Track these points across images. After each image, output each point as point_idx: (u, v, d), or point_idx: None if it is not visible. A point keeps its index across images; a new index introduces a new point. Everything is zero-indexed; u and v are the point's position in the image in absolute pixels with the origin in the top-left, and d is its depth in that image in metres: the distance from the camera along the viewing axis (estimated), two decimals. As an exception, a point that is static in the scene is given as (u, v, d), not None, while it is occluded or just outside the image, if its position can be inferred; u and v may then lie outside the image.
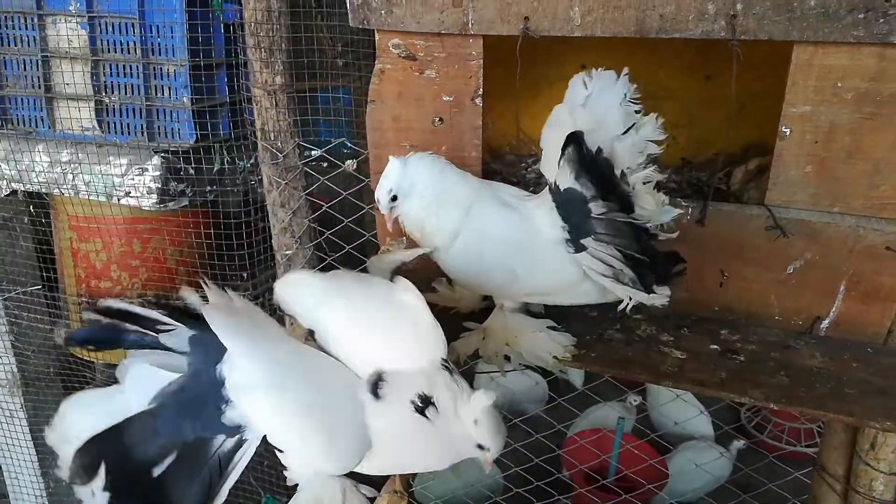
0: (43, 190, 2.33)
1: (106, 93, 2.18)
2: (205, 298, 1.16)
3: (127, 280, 2.38)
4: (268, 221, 2.23)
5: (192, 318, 1.15)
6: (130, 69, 2.15)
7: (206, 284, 1.16)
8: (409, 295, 1.19)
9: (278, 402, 1.10)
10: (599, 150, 1.26)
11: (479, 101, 1.60)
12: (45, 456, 2.80)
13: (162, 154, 2.20)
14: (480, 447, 1.17)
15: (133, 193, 2.23)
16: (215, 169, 2.30)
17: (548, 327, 1.41)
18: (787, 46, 1.36)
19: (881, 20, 1.25)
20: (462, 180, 1.40)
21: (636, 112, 1.29)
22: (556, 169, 1.33)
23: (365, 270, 1.45)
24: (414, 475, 2.22)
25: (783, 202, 1.45)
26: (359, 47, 2.30)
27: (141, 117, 2.16)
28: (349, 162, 2.21)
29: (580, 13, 1.42)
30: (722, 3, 1.33)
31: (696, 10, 1.35)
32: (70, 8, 2.14)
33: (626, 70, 1.29)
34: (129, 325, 1.14)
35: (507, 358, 1.41)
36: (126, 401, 1.07)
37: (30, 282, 2.62)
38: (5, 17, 2.18)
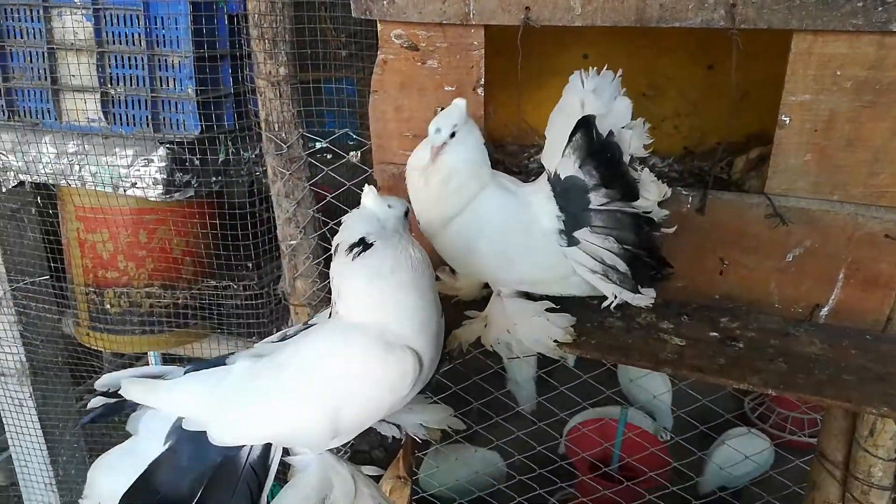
0: (50, 181, 2.35)
1: (111, 84, 2.20)
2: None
3: (134, 270, 2.40)
4: (272, 212, 2.24)
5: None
6: (135, 61, 2.16)
7: None
8: None
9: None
10: (611, 132, 1.29)
11: (480, 90, 1.61)
12: (54, 444, 2.84)
13: (167, 145, 2.22)
14: None
15: (139, 184, 2.25)
16: (220, 160, 2.31)
17: (546, 309, 1.42)
18: (788, 35, 1.37)
19: (880, 8, 1.25)
20: (487, 162, 1.43)
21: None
22: (558, 157, 1.35)
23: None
24: (417, 462, 2.23)
25: (783, 190, 1.46)
26: (362, 38, 2.31)
27: (146, 109, 2.18)
28: (353, 153, 2.23)
29: (580, 3, 1.43)
30: (721, -9, 1.34)
31: (696, -1, 1.36)
32: (75, 0, 2.15)
33: (620, 71, 1.34)
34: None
35: (509, 346, 1.42)
36: (145, 449, 1.09)
37: (38, 272, 2.65)
38: (11, 9, 2.20)
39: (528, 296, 1.48)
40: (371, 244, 1.13)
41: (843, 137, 1.38)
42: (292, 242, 2.22)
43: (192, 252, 2.43)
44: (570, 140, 1.30)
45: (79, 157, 2.27)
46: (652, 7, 1.39)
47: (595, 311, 1.52)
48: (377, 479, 1.22)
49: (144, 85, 2.17)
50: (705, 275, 1.57)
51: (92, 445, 2.95)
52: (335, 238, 1.19)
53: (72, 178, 2.30)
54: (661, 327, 1.50)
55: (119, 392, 1.13)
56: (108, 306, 2.43)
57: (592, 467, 2.85)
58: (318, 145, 2.22)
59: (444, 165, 1.37)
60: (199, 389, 1.12)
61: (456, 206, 1.38)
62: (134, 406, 1.14)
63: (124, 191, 2.26)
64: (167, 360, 2.77)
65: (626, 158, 1.31)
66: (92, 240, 2.39)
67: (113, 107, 2.22)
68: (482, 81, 1.60)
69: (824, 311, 1.51)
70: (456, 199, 1.38)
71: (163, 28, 2.12)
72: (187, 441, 1.09)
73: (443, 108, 1.64)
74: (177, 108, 2.19)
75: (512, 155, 2.02)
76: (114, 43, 2.17)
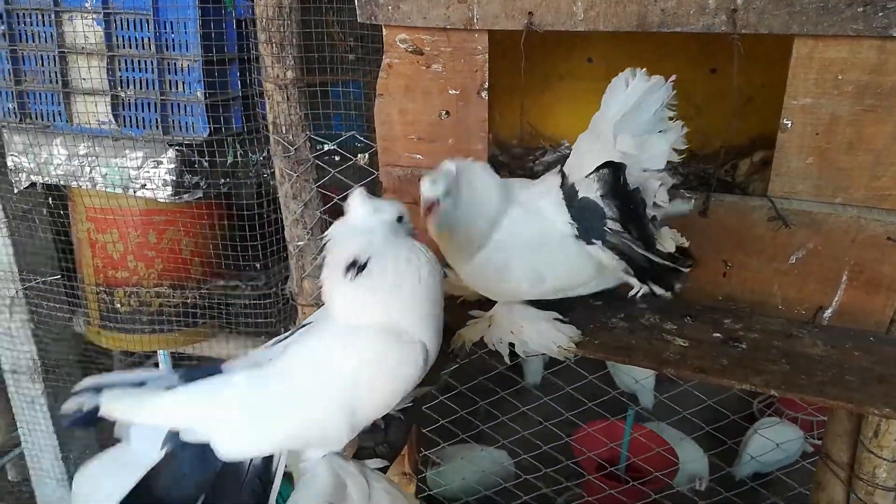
0: (61, 182, 2.38)
1: (122, 87, 2.23)
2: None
3: (143, 270, 2.43)
4: (280, 213, 2.27)
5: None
6: (145, 64, 2.19)
7: None
8: None
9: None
10: (637, 189, 1.26)
11: (484, 94, 1.63)
12: (66, 441, 2.88)
13: (176, 147, 2.25)
14: None
15: (149, 185, 2.28)
16: (229, 162, 2.34)
17: (554, 318, 1.43)
18: (791, 39, 1.38)
19: (880, 13, 1.26)
20: (495, 194, 1.37)
21: (669, 119, 1.31)
22: (581, 175, 1.33)
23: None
24: (423, 458, 2.25)
25: (785, 193, 1.47)
26: (369, 42, 2.33)
27: (156, 111, 2.21)
28: (361, 155, 2.25)
29: (583, 8, 1.44)
30: (723, -3, 1.35)
31: (697, 4, 1.37)
32: (86, 4, 2.18)
33: (673, 77, 1.32)
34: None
35: (511, 346, 1.43)
36: (138, 455, 1.06)
37: (49, 272, 2.68)
38: (23, 13, 2.23)
39: (536, 303, 1.48)
40: (365, 263, 1.11)
41: (845, 141, 1.39)
42: (300, 243, 2.25)
43: (200, 252, 2.46)
44: (597, 169, 1.28)
45: (89, 158, 2.30)
46: (653, 12, 1.41)
47: (599, 312, 1.54)
48: (383, 471, 1.22)
49: (154, 88, 2.19)
50: (709, 277, 1.58)
51: (103, 442, 2.99)
52: (324, 251, 1.17)
53: (83, 179, 2.33)
54: (664, 328, 1.51)
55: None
56: (119, 305, 2.46)
57: (599, 468, 2.85)
58: (325, 147, 2.24)
59: (439, 228, 1.34)
60: (196, 400, 1.09)
61: (471, 251, 1.37)
62: None
63: (134, 192, 2.29)
64: (176, 358, 2.80)
65: (650, 213, 1.28)
66: (102, 240, 2.43)
67: (123, 109, 2.24)
68: (486, 85, 1.62)
69: (827, 313, 1.52)
70: (467, 247, 1.37)
71: (172, 32, 2.15)
72: (187, 446, 1.06)
73: (447, 113, 1.67)
74: (186, 111, 2.21)
75: (517, 158, 2.03)
76: (124, 47, 2.20)
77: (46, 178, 2.39)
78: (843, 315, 1.51)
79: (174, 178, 2.27)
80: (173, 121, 2.22)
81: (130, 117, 2.24)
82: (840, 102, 1.37)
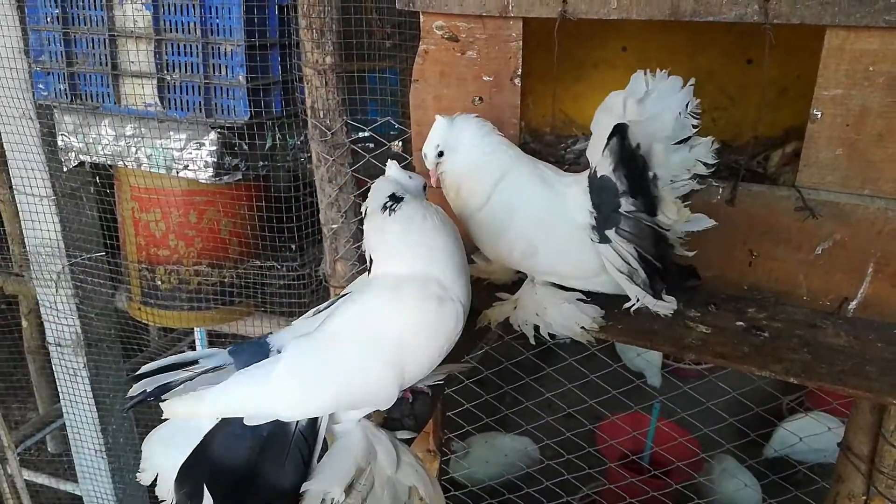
0: (108, 162, 2.47)
1: (167, 70, 2.31)
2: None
3: (183, 248, 2.51)
4: (316, 196, 2.33)
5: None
6: (190, 48, 2.26)
7: None
8: None
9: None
10: (638, 146, 1.30)
11: (517, 81, 1.66)
12: (105, 413, 2.98)
13: (218, 130, 2.32)
14: None
15: (191, 167, 2.35)
16: (268, 145, 2.41)
17: (577, 299, 1.47)
18: (825, 30, 1.38)
19: (913, 5, 1.26)
20: (502, 148, 1.47)
21: (693, 126, 1.33)
22: (598, 156, 1.38)
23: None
24: (447, 436, 2.29)
25: (813, 184, 1.48)
26: (406, 29, 2.38)
27: (199, 94, 2.28)
28: (395, 142, 2.30)
29: (616, -4, 1.47)
30: (755, -14, 1.36)
31: (730, -7, 1.38)
32: (136, -11, 2.26)
33: (692, 80, 1.34)
34: (171, 374, 1.17)
35: (537, 328, 1.47)
36: (198, 421, 1.11)
37: (94, 248, 2.78)
38: (76, -2, 2.32)
39: (560, 286, 1.52)
40: (402, 198, 1.21)
41: (875, 133, 1.40)
42: (334, 226, 2.30)
43: (238, 233, 2.53)
44: (607, 142, 1.33)
45: (135, 139, 2.39)
46: (686, 1, 1.42)
47: (622, 298, 1.56)
48: (409, 441, 1.27)
49: (198, 72, 2.27)
50: (734, 266, 1.59)
51: (139, 415, 3.09)
52: (365, 204, 1.26)
53: (128, 159, 2.42)
54: (687, 315, 1.53)
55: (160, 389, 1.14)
56: (159, 283, 2.54)
57: (623, 458, 2.88)
58: (361, 134, 2.29)
59: (448, 178, 1.47)
60: (251, 386, 1.13)
61: (477, 203, 1.45)
62: (168, 387, 1.14)
63: (177, 173, 2.37)
64: (212, 336, 2.88)
65: (651, 174, 1.31)
66: (145, 219, 2.51)
67: (168, 92, 2.32)
68: (519, 72, 1.65)
69: (853, 304, 1.53)
70: (473, 199, 1.46)
71: (217, 17, 2.21)
72: None
73: (480, 99, 1.70)
74: (228, 95, 2.28)
75: (549, 145, 2.06)
76: (170, 31, 2.27)
77: (94, 158, 2.49)
78: (868, 307, 1.51)
79: (215, 160, 2.34)
80: (216, 104, 2.29)
81: (175, 100, 2.32)
82: (871, 94, 1.38)
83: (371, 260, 1.25)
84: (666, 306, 1.43)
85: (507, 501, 2.77)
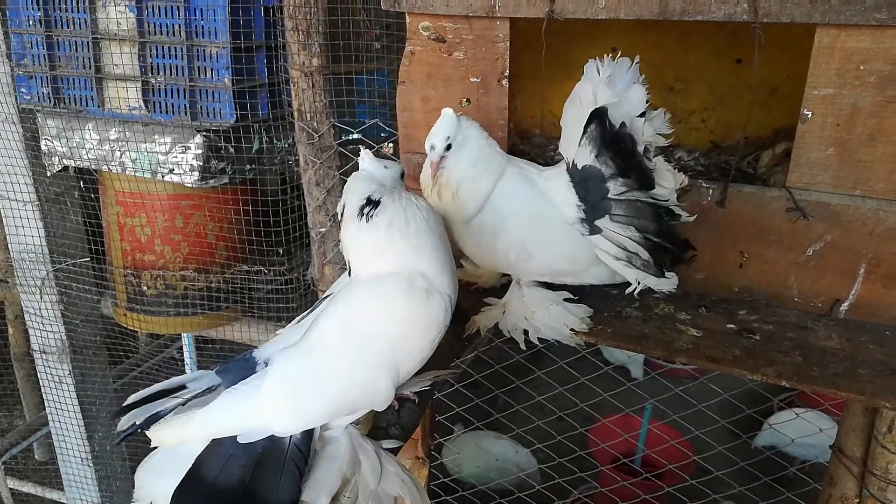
0: (92, 166, 2.45)
1: (152, 73, 2.28)
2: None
3: (170, 254, 2.48)
4: (303, 200, 2.30)
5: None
6: (175, 51, 2.24)
7: None
8: None
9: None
10: (623, 124, 1.31)
11: (505, 82, 1.64)
12: (91, 421, 2.95)
13: (204, 133, 2.30)
14: None
15: (176, 170, 2.33)
16: (254, 148, 2.38)
17: (564, 300, 1.45)
18: (815, 29, 1.37)
19: (904, 3, 1.25)
20: (497, 151, 1.45)
21: (646, 102, 1.34)
22: (575, 147, 1.37)
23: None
24: (436, 443, 2.27)
25: (804, 184, 1.46)
26: (395, 30, 2.36)
27: (184, 97, 2.25)
28: (385, 144, 2.28)
29: (604, -4, 1.45)
30: (744, -15, 1.35)
31: (719, -8, 1.37)
32: (119, -9, 2.23)
33: (637, 58, 1.35)
34: (160, 402, 1.14)
35: (526, 332, 1.45)
36: (189, 446, 1.08)
37: (79, 254, 2.75)
38: (59, 0, 2.29)
39: (547, 285, 1.51)
40: (378, 200, 1.17)
41: (866, 132, 1.38)
42: (322, 230, 2.28)
43: (225, 237, 2.50)
44: (585, 130, 1.33)
45: (120, 143, 2.36)
46: (675, 1, 1.41)
47: (613, 301, 1.55)
48: (395, 451, 1.24)
49: (183, 74, 2.24)
50: (725, 268, 1.58)
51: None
52: (340, 202, 1.22)
53: (113, 163, 2.39)
54: (678, 318, 1.51)
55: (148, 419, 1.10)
56: (145, 288, 2.51)
57: (615, 461, 2.86)
58: (352, 136, 2.27)
59: (448, 180, 1.42)
60: (239, 404, 1.10)
61: (474, 208, 1.42)
62: (159, 416, 1.11)
63: (162, 177, 2.34)
64: (200, 342, 2.85)
65: (641, 148, 1.32)
66: (131, 224, 2.48)
67: (153, 95, 2.30)
68: (507, 73, 1.63)
69: (844, 306, 1.51)
70: (471, 203, 1.42)
71: (202, 19, 2.19)
72: None
73: (468, 100, 1.68)
74: (214, 98, 2.26)
75: (538, 146, 2.04)
76: (155, 33, 2.25)
77: (78, 162, 2.46)
78: (859, 308, 1.49)
79: (201, 164, 2.31)
80: (201, 107, 2.27)
81: (160, 103, 2.29)
82: (861, 93, 1.36)
83: (349, 260, 1.22)
84: (668, 283, 1.42)
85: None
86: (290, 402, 1.11)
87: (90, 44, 2.30)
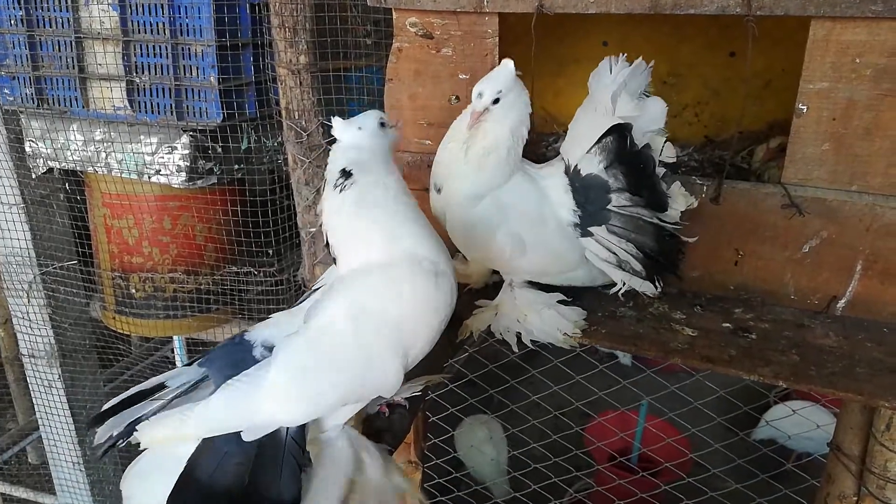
0: (77, 168, 2.41)
1: (136, 73, 2.24)
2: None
3: (158, 255, 2.45)
4: (293, 199, 2.27)
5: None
6: (159, 49, 2.20)
7: None
8: None
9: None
10: (647, 145, 1.29)
11: (494, 78, 1.60)
12: (82, 425, 2.91)
13: (190, 133, 2.26)
14: None
15: (163, 171, 2.29)
16: (242, 148, 2.35)
17: (558, 301, 1.42)
18: (809, 21, 1.34)
19: (900, -6, 1.22)
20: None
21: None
22: (581, 153, 1.34)
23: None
24: (429, 443, 2.25)
25: (800, 180, 1.44)
26: (385, 26, 2.32)
27: (170, 97, 2.21)
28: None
29: (594, -11, 1.42)
30: (737, -23, 1.32)
31: (711, -15, 1.34)
32: (102, -11, 2.19)
33: (652, 62, 1.34)
34: (139, 406, 1.09)
35: (519, 335, 1.42)
36: (175, 448, 1.03)
37: (66, 257, 2.71)
38: (40, -1, 2.25)
39: (540, 286, 1.48)
40: (350, 172, 1.13)
41: (862, 126, 1.36)
42: (312, 230, 2.25)
43: (214, 238, 2.47)
44: (599, 140, 1.29)
45: (105, 144, 2.32)
46: (666, -6, 1.38)
47: (607, 300, 1.52)
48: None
49: (168, 73, 2.20)
50: (720, 265, 1.55)
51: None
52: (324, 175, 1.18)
53: (99, 165, 2.35)
54: (673, 317, 1.49)
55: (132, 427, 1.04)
56: (134, 291, 2.48)
57: (611, 458, 2.84)
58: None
59: (484, 136, 1.33)
60: (242, 397, 1.04)
61: (490, 185, 1.36)
62: (138, 421, 1.05)
63: (149, 178, 2.30)
64: (190, 344, 2.82)
65: (661, 172, 1.31)
66: (118, 226, 2.44)
67: (138, 95, 2.26)
68: (496, 69, 1.59)
69: (841, 302, 1.49)
70: (491, 177, 1.36)
71: (186, 17, 2.15)
72: None
73: (457, 98, 1.65)
74: (200, 97, 2.22)
75: (530, 143, 2.00)
76: (138, 32, 2.21)
77: (63, 164, 2.42)
78: (856, 305, 1.47)
79: (188, 164, 2.27)
80: (187, 106, 2.23)
81: (145, 103, 2.25)
82: (857, 87, 1.34)
83: (330, 244, 1.17)
84: (651, 287, 1.40)
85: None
86: (300, 390, 1.06)
87: (73, 43, 2.26)
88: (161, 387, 1.11)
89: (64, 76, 2.31)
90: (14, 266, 2.65)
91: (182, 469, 1.00)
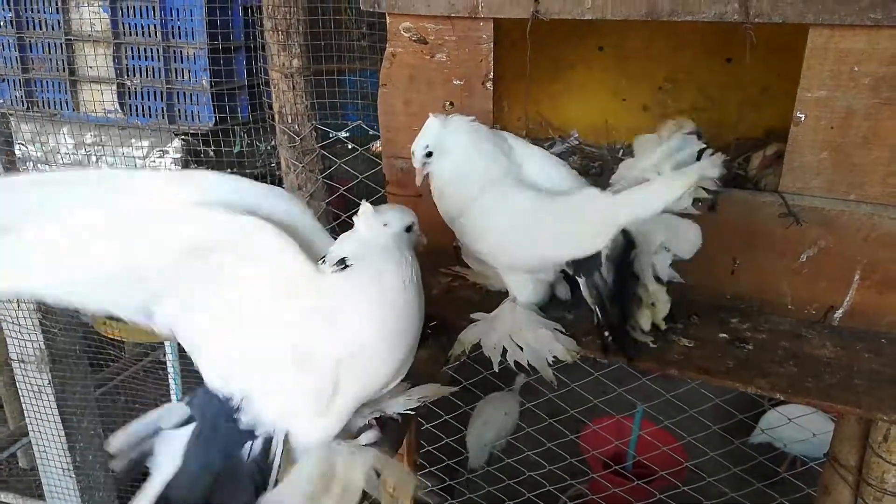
0: (68, 171, 2.38)
1: (128, 76, 2.22)
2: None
3: (149, 260, 2.42)
4: (286, 204, 2.24)
5: None
6: (151, 52, 2.18)
7: None
8: None
9: None
10: (634, 274, 1.29)
11: (489, 85, 1.59)
12: (72, 431, 2.88)
13: (182, 136, 2.24)
14: None
15: (154, 175, 2.26)
16: (235, 151, 2.32)
17: (555, 329, 1.40)
18: (807, 29, 1.33)
19: (900, 2, 1.21)
20: (491, 156, 1.37)
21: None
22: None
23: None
24: (420, 449, 2.23)
25: (797, 189, 1.42)
26: (378, 30, 2.30)
27: (161, 100, 2.19)
28: (374, 143, 2.22)
29: (590, -5, 1.40)
30: (735, -16, 1.30)
31: (709, -9, 1.32)
32: (93, -9, 2.17)
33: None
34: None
35: (504, 353, 1.40)
36: (163, 472, 1.07)
37: (56, 261, 2.67)
38: (30, 0, 2.22)
39: (543, 310, 1.46)
40: (350, 265, 1.09)
41: (860, 135, 1.34)
42: (305, 235, 2.22)
43: (206, 242, 2.44)
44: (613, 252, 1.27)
45: (96, 147, 2.30)
46: (663, 1, 1.36)
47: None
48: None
49: (160, 76, 2.18)
50: (716, 274, 1.54)
51: (108, 434, 2.99)
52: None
53: (89, 168, 2.32)
54: (669, 327, 1.47)
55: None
56: (124, 296, 2.45)
57: (606, 466, 2.82)
58: (341, 134, 2.21)
59: (435, 180, 1.39)
60: None
61: (457, 210, 1.38)
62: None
63: (140, 181, 2.27)
64: (182, 350, 2.78)
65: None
66: (108, 230, 2.41)
67: (129, 98, 2.24)
68: (491, 75, 1.58)
69: (839, 312, 1.48)
70: (453, 206, 1.38)
71: (178, 19, 2.13)
72: (195, 451, 1.08)
73: (451, 104, 1.63)
74: (192, 100, 2.20)
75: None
76: (130, 34, 2.19)
77: (54, 167, 2.39)
78: (854, 315, 1.46)
79: (180, 168, 2.25)
80: (179, 110, 2.21)
81: (136, 106, 2.23)
82: (856, 95, 1.32)
83: None
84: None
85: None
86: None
87: (63, 45, 2.23)
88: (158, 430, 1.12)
89: (54, 79, 2.28)
90: (3, 270, 2.62)
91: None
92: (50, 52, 2.27)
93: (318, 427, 1.13)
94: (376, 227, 1.14)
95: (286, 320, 1.07)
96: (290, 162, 2.17)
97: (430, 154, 1.36)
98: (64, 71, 2.26)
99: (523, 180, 1.38)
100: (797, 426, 2.52)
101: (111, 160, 2.30)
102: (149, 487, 1.06)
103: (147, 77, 2.20)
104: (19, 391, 2.87)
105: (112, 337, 2.61)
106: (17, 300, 2.66)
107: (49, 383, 2.77)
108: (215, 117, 2.19)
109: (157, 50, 2.16)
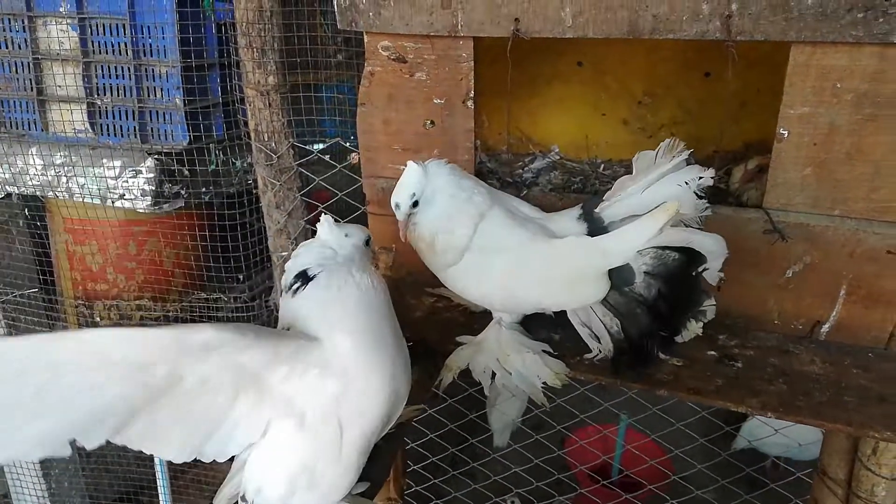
0: (37, 193, 2.32)
1: (98, 95, 2.17)
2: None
3: (123, 282, 2.37)
4: (263, 222, 2.21)
5: None
6: (122, 71, 2.13)
7: None
8: None
9: None
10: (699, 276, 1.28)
11: (470, 103, 1.57)
12: (46, 458, 2.80)
13: (156, 156, 2.19)
14: None
15: (127, 196, 2.21)
16: (210, 170, 2.28)
17: (542, 350, 1.38)
18: (788, 44, 1.32)
19: (881, 19, 1.21)
20: (476, 194, 1.32)
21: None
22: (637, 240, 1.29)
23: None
24: (406, 477, 2.20)
25: (781, 205, 1.42)
26: (358, 46, 2.27)
27: (133, 119, 2.15)
28: (353, 154, 2.18)
29: (571, 14, 1.39)
30: (717, 3, 1.29)
31: (691, 10, 1.31)
32: (60, 9, 2.12)
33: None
34: None
35: (493, 376, 1.38)
36: None
37: (27, 284, 2.61)
38: (-5, 19, 2.17)
39: (528, 329, 1.44)
40: (314, 276, 1.08)
41: (844, 151, 1.34)
42: (283, 254, 2.19)
43: (182, 264, 2.39)
44: (663, 248, 1.26)
45: (66, 168, 2.24)
46: (644, 19, 1.35)
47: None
48: (366, 493, 1.17)
49: (131, 95, 2.14)
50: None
51: (85, 461, 2.91)
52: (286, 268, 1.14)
53: (59, 189, 2.27)
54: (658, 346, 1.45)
55: None
56: (98, 319, 2.39)
57: (593, 478, 2.81)
58: (319, 147, 2.17)
59: (422, 230, 1.32)
60: None
61: (453, 257, 1.32)
62: None
63: (112, 202, 2.23)
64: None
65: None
66: (81, 252, 2.36)
67: (100, 117, 2.19)
68: (472, 94, 1.56)
69: (825, 327, 1.47)
70: (450, 253, 1.32)
71: (149, 37, 2.09)
72: None
73: (431, 122, 1.61)
74: (165, 119, 2.15)
75: (505, 164, 1.97)
76: (100, 52, 2.14)
77: (22, 189, 2.33)
78: (840, 330, 1.46)
79: (153, 188, 2.20)
80: (152, 128, 2.17)
81: (107, 125, 2.18)
82: (839, 111, 1.32)
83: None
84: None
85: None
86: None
87: (31, 65, 2.18)
88: None
89: (22, 98, 2.23)
90: (-28, 295, 2.55)
91: None
92: (17, 72, 2.21)
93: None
94: (339, 237, 1.15)
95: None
96: (267, 180, 2.13)
97: (416, 204, 1.30)
98: (32, 90, 2.20)
99: (510, 209, 1.36)
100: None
101: (82, 181, 2.24)
102: None
103: (118, 96, 2.15)
104: (-10, 418, 2.79)
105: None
106: (-13, 325, 2.59)
107: (21, 410, 2.69)
108: (189, 136, 2.14)
109: (129, 68, 2.11)
